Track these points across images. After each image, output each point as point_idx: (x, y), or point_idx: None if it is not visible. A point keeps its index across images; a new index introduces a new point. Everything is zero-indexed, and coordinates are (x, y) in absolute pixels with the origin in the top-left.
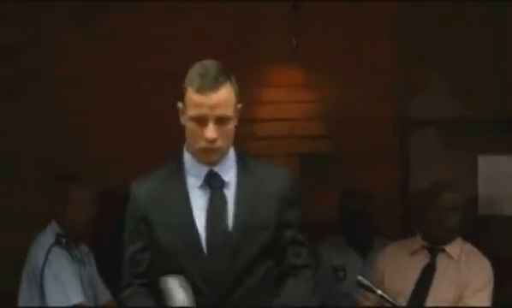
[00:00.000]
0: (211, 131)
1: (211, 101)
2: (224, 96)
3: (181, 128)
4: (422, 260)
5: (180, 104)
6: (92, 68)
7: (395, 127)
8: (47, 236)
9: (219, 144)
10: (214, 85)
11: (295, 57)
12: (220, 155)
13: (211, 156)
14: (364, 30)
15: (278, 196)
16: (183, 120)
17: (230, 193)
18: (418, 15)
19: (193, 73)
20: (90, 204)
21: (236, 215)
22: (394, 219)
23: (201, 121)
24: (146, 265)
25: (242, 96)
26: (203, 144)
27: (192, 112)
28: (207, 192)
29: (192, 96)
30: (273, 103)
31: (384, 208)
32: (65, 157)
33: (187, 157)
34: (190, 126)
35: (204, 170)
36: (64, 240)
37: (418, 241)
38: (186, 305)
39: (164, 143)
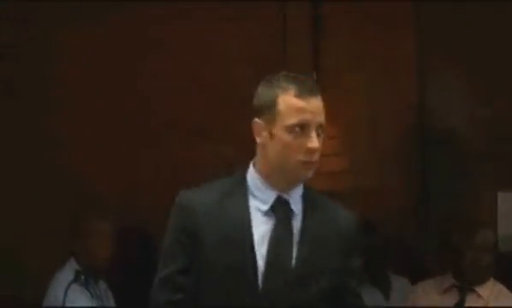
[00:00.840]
0: (315, 140)
1: (313, 106)
2: (322, 103)
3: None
4: (452, 299)
5: (257, 120)
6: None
7: (416, 159)
8: (66, 273)
9: (317, 157)
10: (315, 89)
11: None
12: (314, 171)
13: (308, 170)
14: (385, 66)
15: (345, 240)
16: (263, 136)
17: (296, 226)
18: (440, 45)
19: (282, 80)
20: (111, 238)
21: (300, 250)
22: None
23: (303, 129)
24: (186, 292)
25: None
26: (302, 156)
27: (291, 120)
28: (272, 220)
29: (290, 101)
30: None
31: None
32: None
33: (254, 177)
34: (285, 138)
35: (272, 195)
36: (83, 277)
37: (449, 280)
38: None
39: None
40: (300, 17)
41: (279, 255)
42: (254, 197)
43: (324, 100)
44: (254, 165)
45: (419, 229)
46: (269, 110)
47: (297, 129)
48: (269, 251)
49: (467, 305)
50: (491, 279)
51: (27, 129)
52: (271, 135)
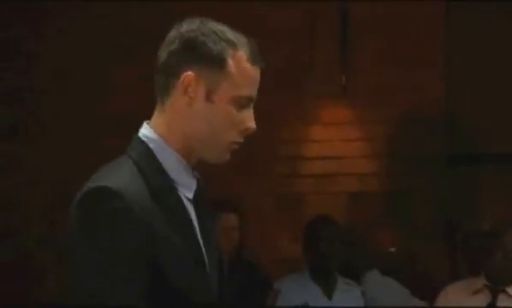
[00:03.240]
0: (253, 119)
1: (259, 77)
2: None
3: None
4: (483, 300)
5: (191, 74)
6: None
7: (443, 162)
8: None
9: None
10: (262, 58)
11: (344, 94)
12: None
13: (231, 152)
14: (413, 66)
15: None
16: (196, 97)
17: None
18: (467, 47)
19: (229, 33)
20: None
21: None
22: (442, 259)
23: (247, 103)
24: None
25: (289, 133)
26: (237, 135)
27: (243, 91)
28: (191, 209)
29: (244, 66)
30: (319, 141)
31: (431, 247)
32: None
33: (167, 152)
34: (224, 108)
35: (192, 181)
36: None
37: (480, 281)
38: None
39: None
40: (328, 15)
41: (211, 250)
42: (177, 182)
43: (353, 101)
44: (163, 135)
45: (448, 233)
46: (213, 67)
47: (243, 102)
48: (205, 248)
49: (498, 305)
50: None
51: None
52: (209, 99)
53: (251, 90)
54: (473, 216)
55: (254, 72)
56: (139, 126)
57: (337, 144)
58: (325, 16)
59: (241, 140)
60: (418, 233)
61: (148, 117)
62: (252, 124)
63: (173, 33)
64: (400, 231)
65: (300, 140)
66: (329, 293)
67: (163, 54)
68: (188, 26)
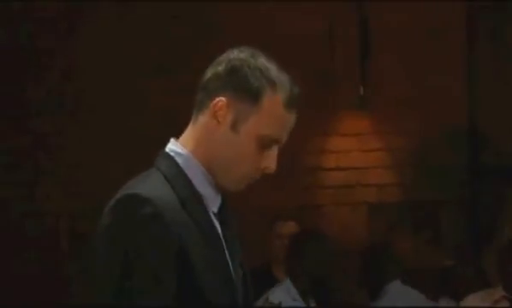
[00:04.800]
0: (275, 160)
1: (292, 122)
2: None
3: None
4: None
5: (224, 100)
6: None
7: (466, 174)
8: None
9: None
10: (299, 102)
11: (363, 105)
12: None
13: (245, 185)
14: (433, 78)
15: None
16: (224, 123)
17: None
18: (488, 54)
19: (273, 72)
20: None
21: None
22: (468, 270)
23: (271, 144)
24: None
25: (308, 144)
26: (254, 172)
27: (269, 131)
28: (217, 223)
29: (277, 109)
30: (335, 152)
31: (457, 259)
32: None
33: (195, 169)
34: (247, 143)
35: (217, 197)
36: None
37: (499, 292)
38: None
39: None
40: (348, 26)
41: (235, 264)
42: (200, 193)
43: (372, 112)
44: (191, 150)
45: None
46: (246, 99)
47: (268, 142)
48: (236, 268)
49: None
50: None
51: None
52: (234, 129)
53: (278, 133)
54: (501, 228)
55: (287, 117)
56: (165, 138)
57: (359, 156)
58: (345, 27)
59: (258, 177)
60: (442, 245)
61: (174, 130)
62: (272, 166)
63: (223, 56)
64: (422, 243)
65: (319, 151)
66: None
67: (208, 72)
68: (238, 54)
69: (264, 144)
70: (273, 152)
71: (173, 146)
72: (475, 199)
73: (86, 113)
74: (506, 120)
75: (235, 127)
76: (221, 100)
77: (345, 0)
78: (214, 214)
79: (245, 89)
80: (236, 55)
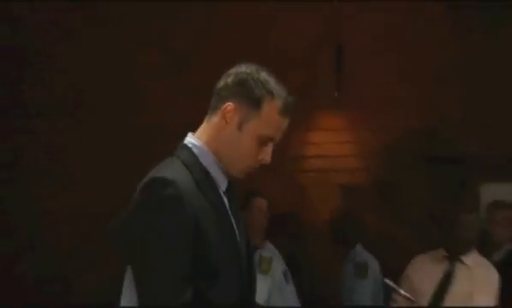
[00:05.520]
0: (270, 155)
1: (285, 126)
2: None
3: None
4: (444, 267)
5: (232, 105)
6: None
7: (421, 161)
8: None
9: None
10: (293, 109)
11: (337, 107)
12: None
13: (246, 174)
14: (395, 82)
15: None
16: (234, 124)
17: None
18: (454, 57)
19: (273, 85)
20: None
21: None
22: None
23: (268, 141)
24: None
25: (293, 137)
26: (253, 163)
27: (266, 131)
28: (225, 199)
29: (273, 114)
30: (315, 143)
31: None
32: None
33: (208, 157)
34: (249, 140)
35: (225, 180)
36: None
37: (441, 252)
38: None
39: None
40: (327, 47)
41: (241, 235)
42: (212, 177)
43: (344, 111)
44: (207, 143)
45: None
46: (250, 105)
47: (265, 140)
48: (241, 236)
49: (455, 271)
50: (474, 251)
51: None
52: (239, 128)
53: (274, 133)
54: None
55: (281, 121)
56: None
57: (333, 145)
58: (325, 47)
59: (257, 167)
60: (399, 219)
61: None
62: (267, 159)
63: (233, 69)
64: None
65: (302, 142)
66: None
67: (221, 81)
68: (245, 69)
69: (262, 141)
70: (269, 148)
71: (190, 139)
72: (428, 182)
73: (85, 113)
74: (462, 117)
75: (240, 127)
76: (229, 105)
77: (324, 19)
78: (223, 192)
79: (249, 97)
80: (244, 69)
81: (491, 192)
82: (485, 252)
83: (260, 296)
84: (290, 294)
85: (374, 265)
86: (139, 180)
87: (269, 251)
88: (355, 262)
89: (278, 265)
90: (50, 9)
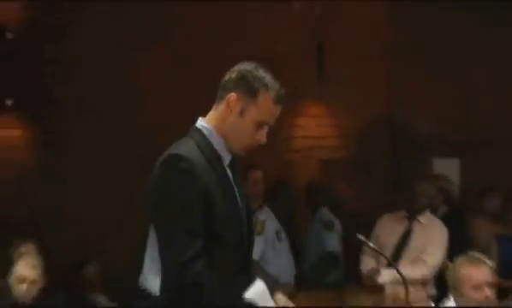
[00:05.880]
0: (265, 136)
1: (277, 113)
2: None
3: None
4: (404, 225)
5: (235, 95)
6: None
7: (388, 139)
8: None
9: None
10: (284, 99)
11: (320, 97)
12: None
13: (246, 151)
14: (365, 79)
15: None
16: (237, 111)
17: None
18: (405, 62)
19: (268, 78)
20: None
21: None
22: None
23: (264, 125)
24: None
25: (284, 122)
26: (252, 143)
27: (263, 117)
28: (229, 171)
29: (268, 102)
30: (301, 127)
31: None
32: None
33: (216, 138)
34: (249, 124)
35: (229, 155)
36: None
37: (402, 213)
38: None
39: None
40: (310, 48)
41: (242, 201)
42: (218, 153)
43: (326, 101)
44: (215, 127)
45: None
46: (249, 95)
47: (261, 124)
48: (242, 202)
49: (412, 228)
50: (428, 212)
51: None
52: (241, 115)
53: (269, 119)
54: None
55: (275, 109)
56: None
57: (316, 129)
58: (309, 48)
59: (254, 145)
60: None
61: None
62: (263, 139)
63: (237, 66)
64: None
65: (290, 126)
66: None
67: (226, 76)
68: (246, 66)
69: (259, 125)
70: (264, 130)
71: (201, 122)
72: (392, 158)
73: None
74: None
75: (241, 113)
76: (233, 95)
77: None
78: (227, 166)
79: (249, 89)
80: (245, 67)
81: (441, 165)
82: None
83: (255, 252)
84: (282, 250)
85: (337, 224)
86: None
87: (265, 213)
88: (323, 219)
89: (272, 226)
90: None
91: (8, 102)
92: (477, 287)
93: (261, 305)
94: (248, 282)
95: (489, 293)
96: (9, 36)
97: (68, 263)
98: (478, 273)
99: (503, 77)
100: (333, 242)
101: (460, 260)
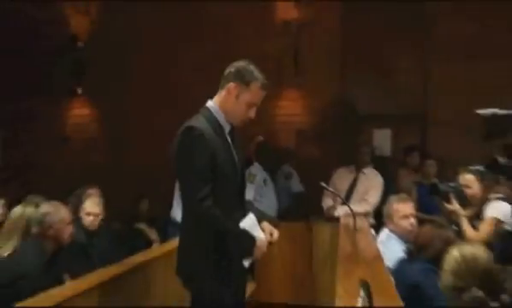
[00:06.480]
0: (254, 113)
1: (263, 96)
2: None
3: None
4: (353, 175)
5: (233, 84)
6: None
7: (341, 117)
8: None
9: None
10: (268, 87)
11: (296, 85)
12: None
13: (243, 123)
14: (325, 71)
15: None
16: (234, 95)
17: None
18: (355, 55)
19: (256, 73)
20: None
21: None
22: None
23: (253, 105)
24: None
25: (269, 103)
26: (245, 117)
27: (253, 99)
28: (229, 137)
29: (258, 90)
30: (283, 108)
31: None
32: None
33: (219, 113)
34: (243, 104)
35: (228, 125)
36: None
37: (352, 167)
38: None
39: None
40: (290, 50)
41: (239, 160)
42: (221, 125)
43: (301, 88)
44: (219, 106)
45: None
46: (244, 85)
47: (251, 105)
48: (238, 159)
49: (358, 177)
50: (370, 166)
51: None
52: (237, 98)
53: (257, 101)
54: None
55: (261, 94)
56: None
57: (292, 108)
58: (288, 50)
59: (247, 120)
60: (330, 150)
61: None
62: (253, 115)
63: (235, 63)
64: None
65: (275, 106)
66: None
67: (227, 70)
68: (241, 64)
69: (250, 106)
70: (253, 109)
71: (210, 103)
72: (344, 129)
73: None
74: (362, 91)
75: (237, 97)
76: (232, 85)
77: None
78: (228, 134)
79: (243, 81)
80: (240, 64)
81: (378, 134)
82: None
83: (248, 195)
84: (268, 193)
85: (295, 174)
86: None
87: (255, 167)
88: (284, 172)
89: (260, 176)
90: None
91: (79, 90)
92: (405, 217)
93: (252, 231)
94: (243, 215)
95: (413, 221)
96: (80, 44)
97: (128, 201)
98: (405, 207)
99: (426, 66)
100: (297, 184)
101: (392, 199)
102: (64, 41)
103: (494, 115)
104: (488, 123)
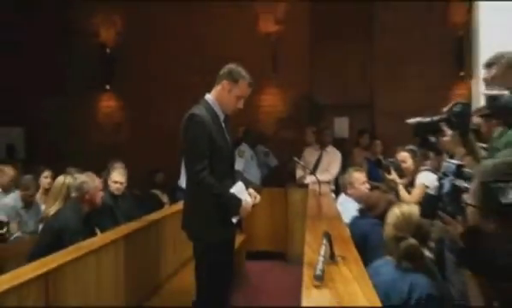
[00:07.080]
0: (242, 104)
1: (249, 91)
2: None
3: None
4: (318, 153)
5: (226, 82)
6: None
7: (307, 108)
8: None
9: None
10: (253, 84)
11: (274, 82)
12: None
13: (233, 112)
14: (298, 70)
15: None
16: (227, 90)
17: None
18: (322, 57)
19: (244, 73)
20: None
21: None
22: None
23: (241, 98)
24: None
25: (255, 97)
26: (235, 107)
27: (241, 93)
28: (223, 123)
29: (245, 86)
30: (264, 100)
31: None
32: None
33: (215, 104)
34: (233, 97)
35: (223, 114)
36: None
37: (317, 146)
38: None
39: None
40: (270, 54)
41: (230, 141)
42: (217, 114)
43: (279, 85)
44: (215, 98)
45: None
46: (234, 82)
47: (240, 98)
48: (229, 140)
49: (322, 154)
50: (331, 145)
51: None
52: (229, 92)
53: (244, 95)
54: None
55: (248, 89)
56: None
57: (272, 100)
58: (268, 53)
59: (236, 110)
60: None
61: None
62: (241, 106)
63: (227, 65)
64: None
65: (257, 100)
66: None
67: (221, 71)
68: (231, 66)
69: (238, 98)
70: (242, 101)
71: (208, 95)
72: (311, 116)
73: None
74: (319, 88)
75: (229, 92)
76: (225, 82)
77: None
78: (222, 121)
79: (233, 78)
80: (231, 66)
81: (338, 121)
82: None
83: (238, 166)
84: (253, 167)
85: (271, 154)
86: None
87: (244, 147)
88: (260, 151)
89: (248, 153)
90: None
91: (107, 86)
92: (363, 183)
93: (240, 196)
94: (233, 183)
95: (368, 186)
96: (108, 50)
97: (145, 172)
98: (361, 176)
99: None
100: (271, 161)
101: (351, 170)
102: (96, 49)
103: (419, 123)
104: (414, 128)
